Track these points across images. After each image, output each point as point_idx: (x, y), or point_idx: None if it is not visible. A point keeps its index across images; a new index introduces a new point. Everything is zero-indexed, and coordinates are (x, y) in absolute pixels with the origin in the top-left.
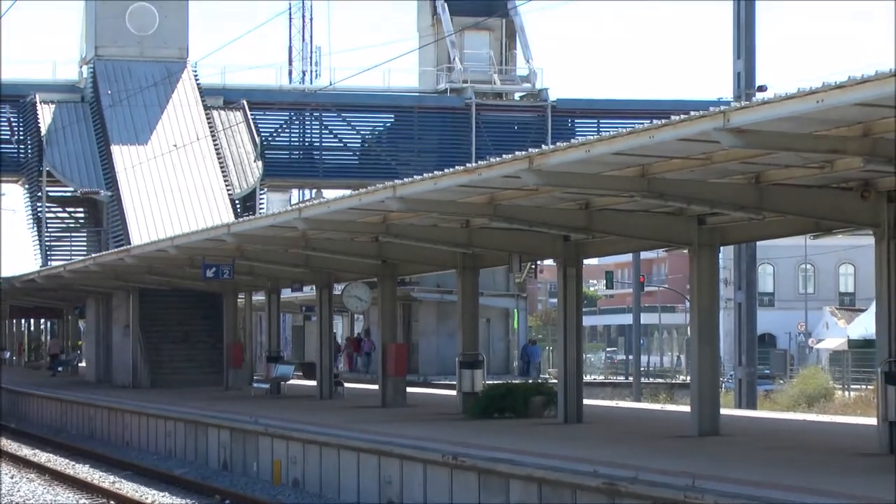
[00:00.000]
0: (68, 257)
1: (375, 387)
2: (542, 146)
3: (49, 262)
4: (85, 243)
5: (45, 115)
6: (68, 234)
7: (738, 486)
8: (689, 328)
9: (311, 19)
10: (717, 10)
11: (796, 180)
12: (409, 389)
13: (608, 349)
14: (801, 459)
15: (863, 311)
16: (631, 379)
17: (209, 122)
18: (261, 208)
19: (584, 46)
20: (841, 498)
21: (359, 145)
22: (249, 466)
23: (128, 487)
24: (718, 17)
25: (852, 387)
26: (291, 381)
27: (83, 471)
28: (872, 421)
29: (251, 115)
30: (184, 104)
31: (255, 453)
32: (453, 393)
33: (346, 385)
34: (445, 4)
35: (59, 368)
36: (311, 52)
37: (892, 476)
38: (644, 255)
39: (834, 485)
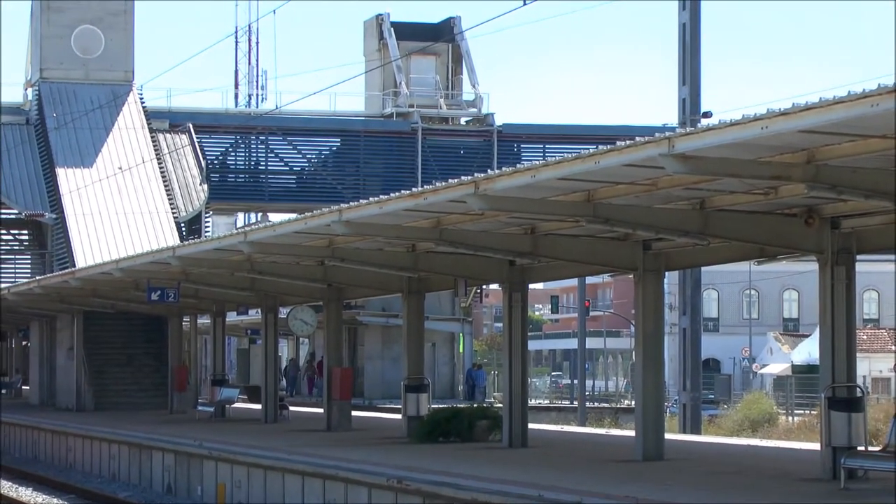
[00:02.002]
0: (12, 280)
1: (321, 410)
2: (488, 171)
3: None
4: (29, 265)
5: None
6: (12, 257)
7: None
8: (633, 353)
9: (258, 43)
10: (662, 38)
11: (741, 206)
12: (354, 413)
13: (553, 373)
14: (745, 484)
15: (806, 336)
16: (576, 403)
17: (155, 145)
18: (206, 231)
19: (531, 72)
20: None
21: (305, 169)
22: (194, 490)
23: None
24: (664, 44)
25: (796, 412)
26: (236, 405)
27: (26, 494)
28: (816, 446)
29: (197, 138)
30: (129, 127)
31: (199, 477)
32: (398, 417)
33: (292, 408)
34: (392, 29)
35: (3, 391)
36: (258, 75)
37: (832, 500)
38: (589, 279)
39: None
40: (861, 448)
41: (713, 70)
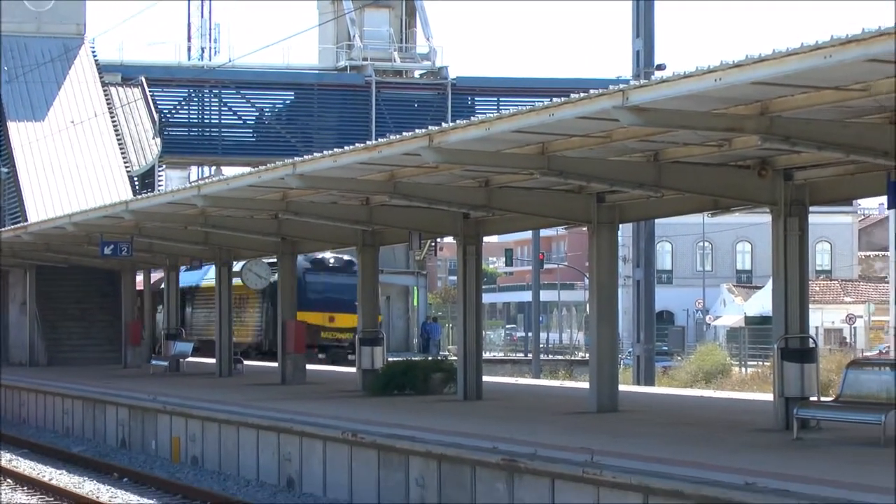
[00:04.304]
0: None
1: (275, 364)
2: (442, 124)
3: None
4: None
5: None
6: None
7: (637, 461)
8: (588, 305)
9: None
10: None
11: (695, 158)
12: (309, 367)
13: (508, 326)
14: (699, 435)
15: (759, 288)
16: (530, 356)
17: (107, 99)
18: (159, 185)
19: (484, 25)
20: (738, 473)
21: (258, 122)
22: (148, 444)
23: (25, 465)
24: None
25: (749, 363)
26: (191, 359)
27: None
28: (769, 397)
29: (150, 91)
30: (81, 81)
31: (153, 431)
32: (353, 370)
33: (246, 362)
34: None
35: None
36: (211, 28)
37: (786, 450)
38: (544, 232)
39: (731, 460)
40: (813, 398)
41: (668, 22)
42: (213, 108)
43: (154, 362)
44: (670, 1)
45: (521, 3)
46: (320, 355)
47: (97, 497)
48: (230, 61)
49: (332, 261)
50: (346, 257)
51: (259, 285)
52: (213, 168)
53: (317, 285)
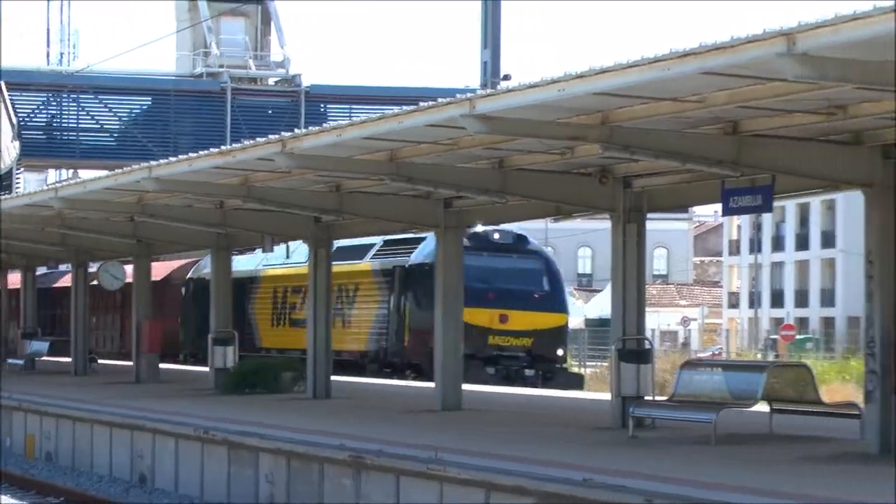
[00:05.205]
0: None
1: (131, 363)
2: (296, 130)
3: None
4: None
5: None
6: None
7: (480, 458)
8: (435, 306)
9: (70, 1)
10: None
11: (538, 165)
12: (163, 366)
13: None
14: (541, 433)
15: (599, 291)
16: None
17: None
18: (17, 188)
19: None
20: (577, 469)
21: (116, 127)
22: (3, 441)
23: None
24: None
25: (588, 364)
26: (46, 357)
27: None
28: (607, 396)
29: (8, 95)
30: None
31: (8, 428)
32: (207, 369)
33: (101, 361)
34: None
35: None
36: (70, 33)
37: (622, 448)
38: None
39: (570, 456)
40: (649, 398)
41: (516, 33)
42: (71, 113)
43: (10, 361)
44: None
45: (376, 15)
46: (489, 369)
47: None
48: (88, 67)
49: (496, 235)
50: (514, 230)
51: (115, 286)
52: (72, 171)
53: (479, 271)
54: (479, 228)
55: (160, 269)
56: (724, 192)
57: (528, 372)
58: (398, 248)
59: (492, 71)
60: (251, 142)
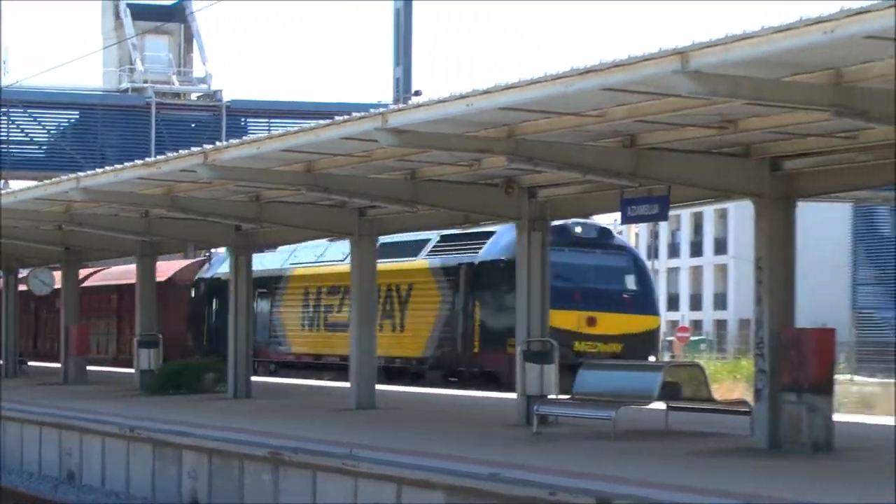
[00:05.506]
0: None
1: (59, 365)
2: (217, 143)
3: None
4: None
5: None
6: None
7: (392, 454)
8: (350, 311)
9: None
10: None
11: (448, 177)
12: (91, 368)
13: None
14: (450, 430)
15: None
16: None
17: None
18: None
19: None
20: (484, 464)
21: (45, 140)
22: None
23: None
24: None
25: None
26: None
27: None
28: (514, 395)
29: None
30: None
31: None
32: (132, 371)
33: (31, 363)
34: (128, 9)
35: None
36: None
37: (527, 444)
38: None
39: (478, 452)
40: (552, 396)
41: (429, 49)
42: (1, 126)
43: None
44: (432, 26)
45: (295, 33)
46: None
47: None
48: (17, 82)
49: (578, 229)
50: (597, 224)
51: (44, 291)
52: (2, 182)
53: (561, 268)
54: (559, 221)
55: (162, 271)
56: (623, 202)
57: None
58: (461, 244)
59: (404, 86)
60: (175, 154)
